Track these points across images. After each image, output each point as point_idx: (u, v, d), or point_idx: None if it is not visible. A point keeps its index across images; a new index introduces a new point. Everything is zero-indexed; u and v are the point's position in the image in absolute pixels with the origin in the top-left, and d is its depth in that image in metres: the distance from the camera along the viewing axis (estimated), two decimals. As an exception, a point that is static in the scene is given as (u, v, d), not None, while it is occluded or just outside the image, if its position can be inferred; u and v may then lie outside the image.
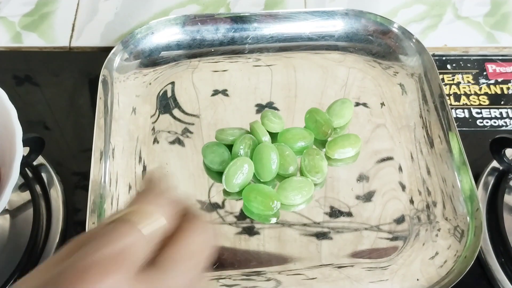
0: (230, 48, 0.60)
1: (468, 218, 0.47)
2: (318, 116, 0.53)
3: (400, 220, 0.49)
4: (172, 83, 0.58)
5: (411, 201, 0.50)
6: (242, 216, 0.49)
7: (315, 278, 0.46)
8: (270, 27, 0.61)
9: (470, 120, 0.58)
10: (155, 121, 0.55)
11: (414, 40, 0.59)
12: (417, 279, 0.45)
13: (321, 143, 0.53)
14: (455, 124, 0.52)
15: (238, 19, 0.60)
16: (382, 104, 0.57)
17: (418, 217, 0.49)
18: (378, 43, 0.61)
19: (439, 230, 0.48)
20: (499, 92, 0.60)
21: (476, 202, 0.47)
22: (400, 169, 0.52)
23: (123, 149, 0.52)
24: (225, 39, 0.61)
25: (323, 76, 0.59)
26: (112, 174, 0.50)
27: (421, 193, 0.50)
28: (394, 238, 0.48)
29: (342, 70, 0.59)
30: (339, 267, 0.46)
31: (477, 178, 0.52)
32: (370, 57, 0.60)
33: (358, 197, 0.50)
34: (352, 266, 0.46)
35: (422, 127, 0.54)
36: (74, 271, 0.24)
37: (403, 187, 0.51)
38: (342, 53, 0.61)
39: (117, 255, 0.25)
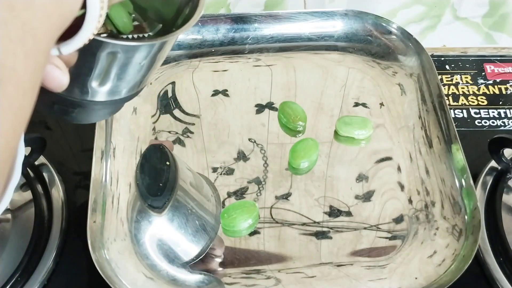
0: (231, 48, 0.61)
1: (466, 217, 0.48)
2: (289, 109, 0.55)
3: (399, 220, 0.49)
4: (173, 83, 0.58)
5: (410, 201, 0.50)
6: (242, 215, 0.49)
7: (315, 276, 0.46)
8: (270, 27, 0.61)
9: (468, 120, 0.58)
10: (156, 121, 0.55)
11: (413, 41, 0.59)
12: (416, 278, 0.45)
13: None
14: (454, 124, 0.52)
15: (238, 20, 0.61)
16: (381, 104, 0.57)
17: (416, 216, 0.49)
18: (377, 44, 0.61)
19: (437, 229, 0.48)
20: (497, 92, 0.61)
21: (474, 201, 0.47)
22: (399, 169, 0.52)
23: (124, 149, 0.53)
24: (226, 40, 0.61)
25: (323, 76, 0.59)
26: (113, 173, 0.50)
27: (420, 192, 0.51)
28: (393, 237, 0.48)
29: (341, 70, 0.60)
30: (338, 266, 0.46)
31: (475, 178, 0.52)
32: (369, 57, 0.60)
33: (357, 197, 0.51)
34: (351, 264, 0.47)
35: (421, 127, 0.55)
36: None
37: (402, 187, 0.51)
38: (341, 53, 0.61)
39: None
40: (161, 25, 0.40)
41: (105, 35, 0.37)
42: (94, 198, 0.47)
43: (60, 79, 0.32)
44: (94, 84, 0.35)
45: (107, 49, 0.33)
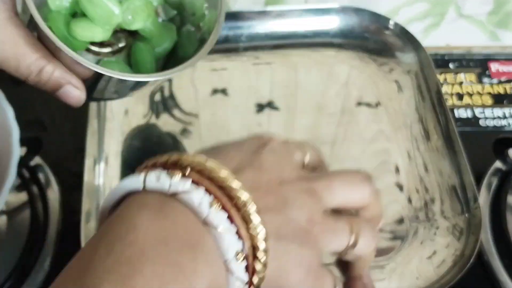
0: (225, 47, 0.60)
1: (467, 216, 0.47)
2: None
3: (398, 219, 0.49)
4: (170, 81, 0.58)
5: (409, 200, 0.50)
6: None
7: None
8: (264, 24, 0.60)
9: (473, 120, 0.58)
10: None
11: (410, 37, 0.59)
12: (416, 278, 0.45)
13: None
14: (455, 122, 0.52)
15: (231, 17, 0.60)
16: (378, 103, 0.57)
17: (416, 215, 0.49)
18: (373, 40, 0.60)
19: (437, 228, 0.48)
20: (502, 91, 0.60)
21: (475, 199, 0.47)
22: (397, 167, 0.52)
23: (116, 153, 0.52)
24: (219, 38, 0.60)
25: (319, 74, 0.59)
26: (106, 179, 0.50)
27: (419, 191, 0.50)
28: (393, 237, 0.48)
29: (337, 67, 0.59)
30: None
31: (480, 179, 0.52)
32: (366, 54, 0.60)
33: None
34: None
35: (419, 125, 0.54)
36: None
37: (401, 186, 0.51)
38: (337, 50, 0.61)
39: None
40: (175, 12, 0.42)
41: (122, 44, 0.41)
42: (87, 207, 0.47)
43: (79, 98, 0.37)
44: (103, 91, 0.39)
45: (117, 80, 0.37)
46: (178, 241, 0.23)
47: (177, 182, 0.24)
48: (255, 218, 0.24)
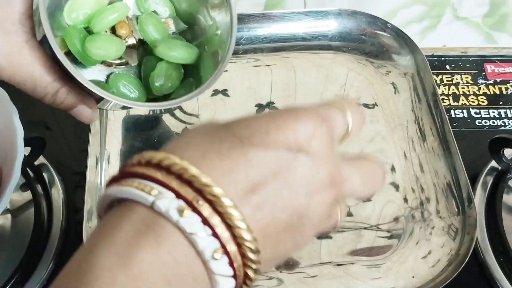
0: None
1: (462, 216, 0.48)
2: None
3: (394, 219, 0.49)
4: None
5: (405, 200, 0.50)
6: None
7: (316, 276, 0.46)
8: (264, 27, 0.61)
9: (469, 120, 0.58)
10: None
11: (407, 40, 0.59)
12: (412, 276, 0.46)
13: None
14: (450, 123, 0.52)
15: None
16: (375, 104, 0.57)
17: (412, 215, 0.49)
18: (371, 43, 0.61)
19: (433, 228, 0.48)
20: (497, 92, 0.61)
21: (470, 200, 0.47)
22: (394, 167, 0.52)
23: (118, 152, 0.53)
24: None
25: (317, 75, 0.59)
26: (109, 177, 0.50)
27: (415, 191, 0.51)
28: (390, 237, 0.48)
29: (335, 69, 0.60)
30: (339, 265, 0.47)
31: (476, 178, 0.52)
32: (363, 57, 0.60)
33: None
34: (352, 264, 0.47)
35: (415, 126, 0.55)
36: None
37: (397, 186, 0.51)
38: (335, 52, 0.61)
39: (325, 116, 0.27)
40: (186, 26, 0.42)
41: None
42: (89, 206, 0.47)
43: (91, 117, 0.40)
44: (109, 105, 0.41)
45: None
46: (179, 279, 0.23)
47: (185, 220, 0.23)
48: (254, 272, 0.24)
